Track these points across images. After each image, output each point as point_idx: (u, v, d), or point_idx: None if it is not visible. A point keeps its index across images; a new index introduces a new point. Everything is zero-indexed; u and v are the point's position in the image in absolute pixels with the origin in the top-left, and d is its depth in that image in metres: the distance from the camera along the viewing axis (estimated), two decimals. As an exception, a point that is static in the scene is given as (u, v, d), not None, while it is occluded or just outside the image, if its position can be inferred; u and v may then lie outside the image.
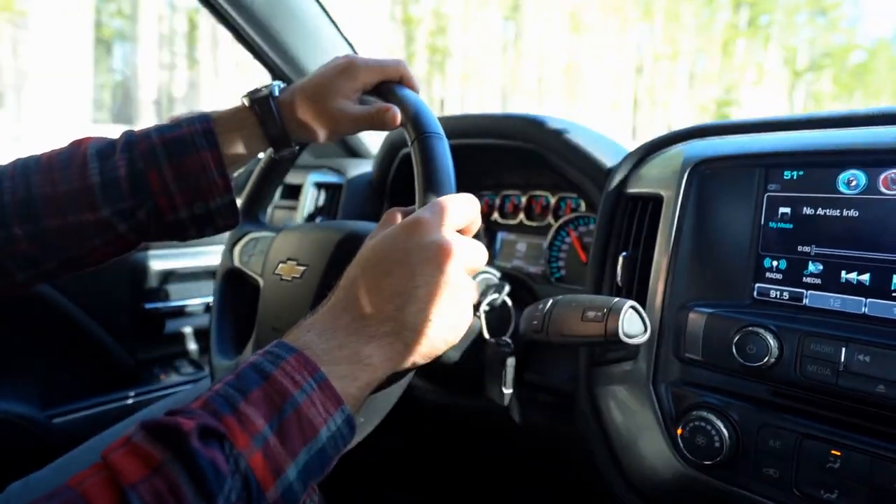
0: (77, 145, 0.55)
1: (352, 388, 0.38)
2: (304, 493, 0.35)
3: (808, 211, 0.53)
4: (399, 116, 0.56)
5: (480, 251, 0.45)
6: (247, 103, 0.57)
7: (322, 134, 0.59)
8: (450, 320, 0.42)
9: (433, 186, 0.48)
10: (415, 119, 0.53)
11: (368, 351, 0.39)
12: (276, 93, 0.58)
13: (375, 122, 0.57)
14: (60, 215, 0.52)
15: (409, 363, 0.42)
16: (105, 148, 0.54)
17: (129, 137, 0.55)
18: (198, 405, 0.34)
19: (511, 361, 0.72)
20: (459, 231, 0.45)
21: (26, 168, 0.53)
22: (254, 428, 0.33)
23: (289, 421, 0.34)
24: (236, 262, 0.82)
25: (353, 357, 0.39)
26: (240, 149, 0.57)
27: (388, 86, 0.58)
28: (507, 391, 0.73)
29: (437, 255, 0.41)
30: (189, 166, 0.54)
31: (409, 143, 0.52)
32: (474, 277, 0.52)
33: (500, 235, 1.04)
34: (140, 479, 0.29)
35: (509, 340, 0.72)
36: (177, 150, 0.54)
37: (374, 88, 0.59)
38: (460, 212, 0.45)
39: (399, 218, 0.47)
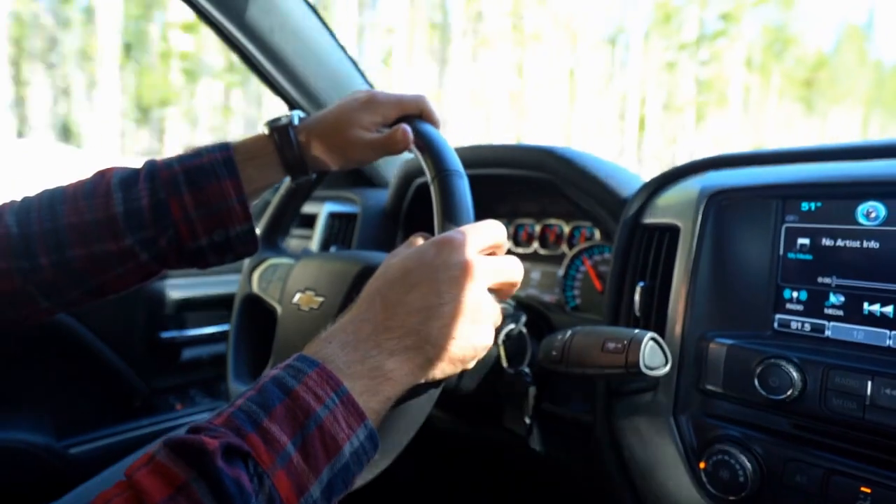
0: (101, 175, 0.56)
1: (373, 402, 0.38)
2: None
3: (827, 242, 0.53)
4: (411, 134, 0.56)
5: (513, 269, 0.45)
6: (266, 132, 0.58)
7: (339, 163, 0.60)
8: (472, 339, 0.42)
9: (453, 219, 0.48)
10: (435, 156, 0.53)
11: (390, 364, 0.39)
12: (296, 122, 0.59)
13: (389, 146, 0.57)
14: (85, 245, 0.53)
15: (429, 378, 0.42)
16: (128, 177, 0.55)
17: (151, 167, 0.56)
18: (220, 421, 0.33)
19: (532, 391, 0.72)
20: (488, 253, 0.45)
21: (53, 199, 0.54)
22: (278, 446, 0.33)
23: (312, 438, 0.34)
24: (255, 289, 0.83)
25: (374, 371, 0.39)
26: (258, 177, 0.58)
27: (409, 121, 0.58)
28: (528, 421, 0.72)
29: (464, 275, 0.42)
30: (209, 194, 0.54)
31: (430, 181, 0.52)
32: None
33: (515, 264, 1.05)
34: (164, 498, 0.29)
35: (528, 370, 0.72)
36: (197, 179, 0.54)
37: (393, 123, 0.59)
38: (488, 235, 0.45)
39: (422, 242, 0.47)
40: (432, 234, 0.50)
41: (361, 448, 0.37)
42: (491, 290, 0.44)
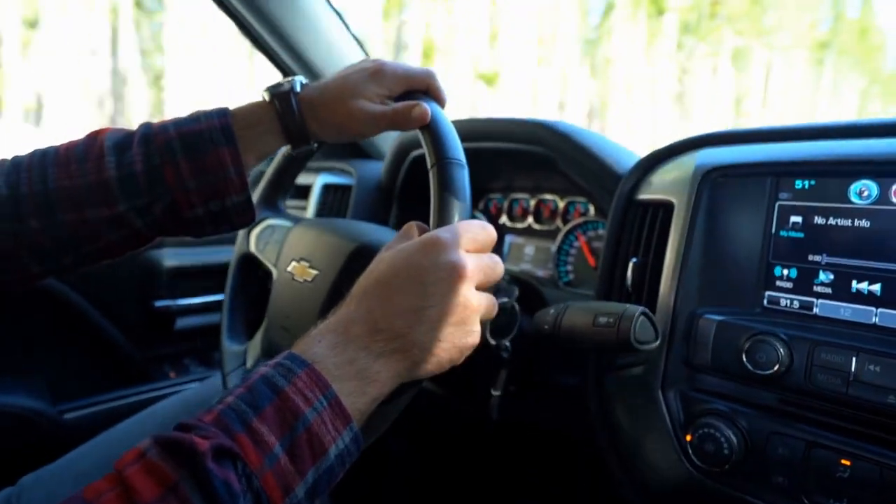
0: (94, 137, 0.54)
1: (359, 403, 0.39)
2: None
3: (819, 220, 0.53)
4: (429, 112, 0.53)
5: (495, 268, 0.46)
6: (267, 98, 0.56)
7: (342, 134, 0.57)
8: (457, 341, 0.43)
9: (448, 213, 0.48)
10: (438, 142, 0.52)
11: (377, 367, 0.40)
12: (298, 88, 0.56)
13: (399, 121, 0.55)
14: (77, 209, 0.51)
15: (413, 378, 0.43)
16: (122, 141, 0.53)
17: (146, 130, 0.54)
18: (210, 419, 0.34)
19: (505, 365, 0.73)
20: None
21: (44, 159, 0.53)
22: (266, 447, 0.33)
23: (300, 439, 0.35)
24: (252, 248, 0.83)
25: (362, 373, 0.39)
26: (258, 145, 0.56)
27: (415, 97, 0.56)
28: (496, 393, 0.74)
29: (451, 276, 0.42)
30: (206, 163, 0.53)
31: (429, 165, 0.51)
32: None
33: (509, 238, 1.05)
34: (155, 498, 0.29)
35: (508, 344, 0.73)
36: (194, 146, 0.52)
37: (399, 97, 0.57)
38: (477, 236, 0.45)
39: (416, 234, 0.47)
40: (427, 211, 0.49)
41: (346, 450, 0.37)
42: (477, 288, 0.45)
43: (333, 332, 0.41)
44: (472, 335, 0.44)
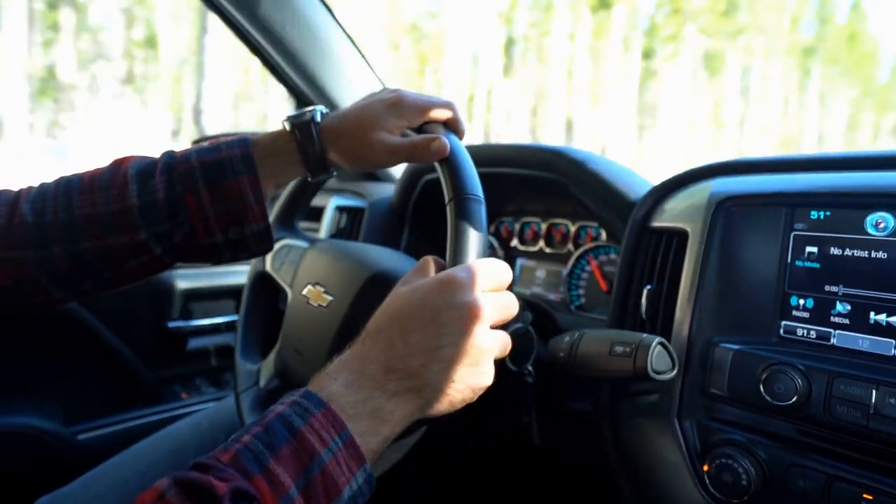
0: (118, 165, 0.55)
1: (373, 442, 0.39)
2: None
3: (835, 251, 0.53)
4: (448, 146, 0.53)
5: (510, 307, 0.46)
6: (287, 127, 0.56)
7: (361, 164, 0.58)
8: (471, 381, 0.43)
9: (466, 251, 0.48)
10: (457, 176, 0.52)
11: (390, 406, 0.40)
12: (318, 118, 0.57)
13: (418, 154, 0.55)
14: (100, 237, 0.52)
15: (424, 417, 0.43)
16: (145, 169, 0.54)
17: (168, 159, 0.55)
18: (227, 459, 0.34)
19: (532, 389, 0.73)
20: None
21: (69, 187, 0.54)
22: (282, 488, 0.34)
23: (314, 481, 0.35)
24: (268, 268, 0.84)
25: (375, 412, 0.40)
26: (277, 174, 0.57)
27: (434, 128, 0.56)
28: (527, 418, 0.74)
29: (466, 317, 0.42)
30: (226, 191, 0.53)
31: (447, 200, 0.51)
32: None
33: (520, 262, 1.05)
34: None
35: (531, 368, 0.73)
36: (215, 174, 0.53)
37: (418, 128, 0.57)
38: (493, 276, 0.46)
39: (433, 269, 0.48)
40: (438, 234, 0.50)
41: (359, 490, 0.38)
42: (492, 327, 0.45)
43: (349, 370, 0.41)
44: (486, 375, 0.44)
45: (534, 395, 0.74)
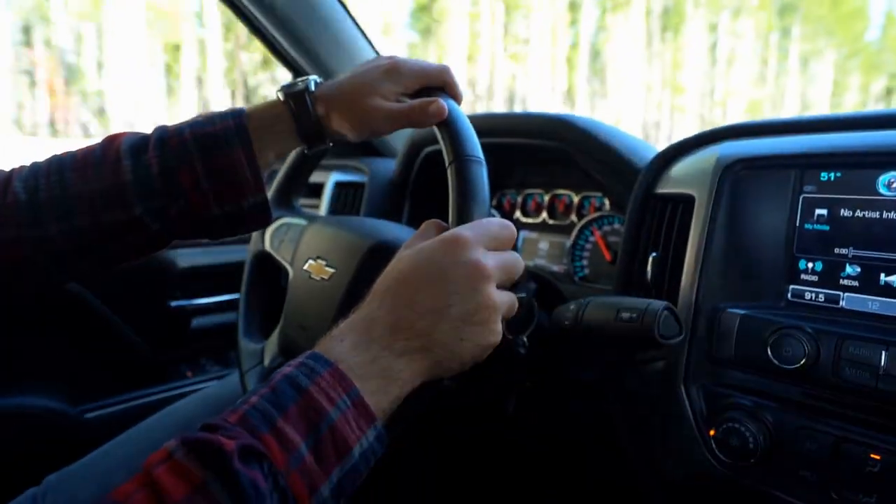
0: (110, 141, 0.54)
1: (383, 402, 0.39)
2: None
3: (845, 213, 0.52)
4: (446, 108, 0.53)
5: (516, 266, 0.46)
6: (281, 98, 0.55)
7: (358, 132, 0.57)
8: (479, 339, 0.43)
9: (468, 211, 0.47)
10: (456, 139, 0.51)
11: (399, 366, 0.40)
12: (313, 87, 0.55)
13: (416, 118, 0.54)
14: (94, 213, 0.52)
15: (435, 377, 0.43)
16: (138, 144, 0.53)
17: (161, 133, 0.54)
18: (235, 419, 0.34)
19: (521, 365, 0.73)
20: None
21: (61, 165, 0.53)
22: (292, 446, 0.34)
23: (324, 439, 0.35)
24: (267, 247, 0.83)
25: (384, 372, 0.39)
26: (273, 145, 0.56)
27: (431, 94, 0.55)
28: (513, 389, 0.74)
29: (473, 275, 0.42)
30: (221, 164, 0.52)
31: (447, 163, 0.50)
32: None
33: (523, 234, 1.05)
34: (183, 497, 0.30)
35: (525, 339, 0.72)
36: (209, 148, 0.52)
37: (415, 94, 0.56)
38: (497, 234, 0.45)
39: (436, 232, 0.47)
40: (440, 207, 0.49)
41: (370, 448, 0.37)
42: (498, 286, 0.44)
43: (355, 332, 0.41)
44: (494, 334, 0.44)
45: (524, 368, 0.74)
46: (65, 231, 0.51)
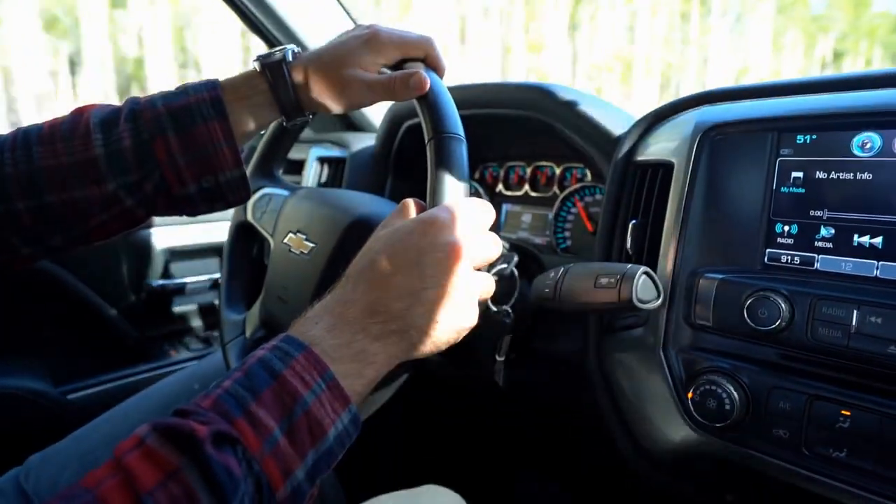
0: (79, 114, 0.52)
1: (357, 385, 0.39)
2: (311, 490, 0.36)
3: (821, 175, 0.53)
4: (427, 81, 0.51)
5: (493, 248, 0.46)
6: (258, 68, 0.54)
7: (337, 104, 0.55)
8: (455, 322, 0.43)
9: (446, 191, 0.47)
10: (437, 114, 0.50)
11: (374, 349, 0.40)
12: (290, 58, 0.54)
13: (396, 90, 0.52)
14: (64, 189, 0.50)
15: (410, 359, 0.43)
16: (108, 117, 0.51)
17: (133, 105, 0.52)
18: (208, 404, 0.34)
19: (508, 330, 0.73)
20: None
21: (27, 138, 0.51)
22: (265, 431, 0.33)
23: (299, 423, 0.35)
24: (249, 217, 0.83)
25: (359, 355, 0.39)
26: (250, 118, 0.54)
27: (413, 65, 0.54)
28: (500, 359, 0.74)
29: (448, 257, 0.41)
30: (196, 137, 0.51)
31: (426, 139, 0.49)
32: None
33: (505, 207, 1.04)
34: (155, 484, 0.29)
35: (510, 310, 0.73)
36: (183, 120, 0.51)
37: (395, 65, 0.55)
38: (474, 216, 0.45)
39: (413, 211, 0.46)
40: (423, 181, 0.48)
41: (345, 431, 0.37)
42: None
43: (330, 314, 0.41)
44: (470, 316, 0.44)
45: (509, 337, 0.74)
46: (33, 207, 0.50)
